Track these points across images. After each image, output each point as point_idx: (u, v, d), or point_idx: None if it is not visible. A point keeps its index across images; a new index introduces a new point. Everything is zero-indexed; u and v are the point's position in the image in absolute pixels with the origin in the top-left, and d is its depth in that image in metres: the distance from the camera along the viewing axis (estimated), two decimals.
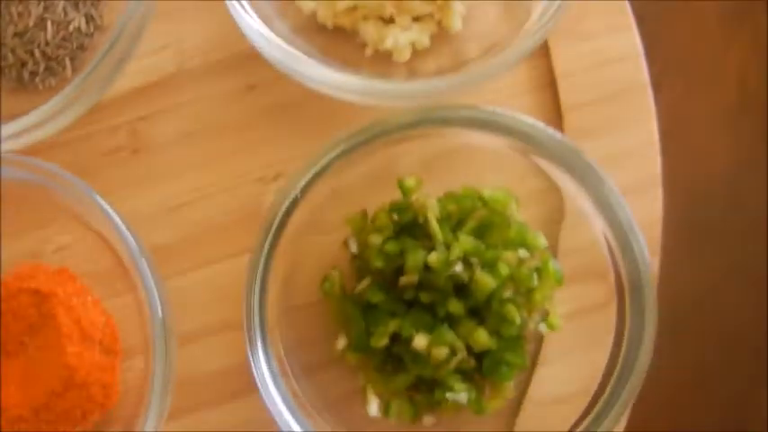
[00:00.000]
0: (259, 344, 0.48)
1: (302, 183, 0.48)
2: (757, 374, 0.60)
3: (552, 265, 0.49)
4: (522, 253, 0.49)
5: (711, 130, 0.60)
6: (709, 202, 0.61)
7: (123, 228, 0.49)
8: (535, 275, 0.49)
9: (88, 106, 0.51)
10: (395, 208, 0.49)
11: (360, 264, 0.50)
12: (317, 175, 0.48)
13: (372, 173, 0.51)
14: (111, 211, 0.49)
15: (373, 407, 0.50)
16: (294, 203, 0.48)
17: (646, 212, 0.52)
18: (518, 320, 0.49)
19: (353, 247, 0.50)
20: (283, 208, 0.47)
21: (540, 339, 0.51)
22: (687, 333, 0.61)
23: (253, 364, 0.48)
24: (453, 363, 0.48)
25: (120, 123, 0.53)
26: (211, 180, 0.53)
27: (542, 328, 0.50)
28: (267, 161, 0.52)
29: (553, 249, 0.51)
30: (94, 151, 0.53)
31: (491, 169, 0.51)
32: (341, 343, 0.50)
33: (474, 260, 0.48)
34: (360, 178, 0.51)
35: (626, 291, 0.49)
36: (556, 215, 0.52)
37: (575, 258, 0.51)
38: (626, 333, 0.49)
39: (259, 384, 0.47)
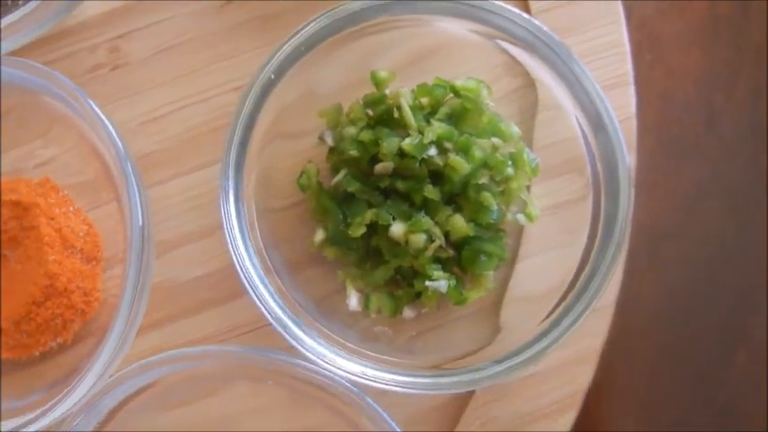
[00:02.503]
0: (240, 241, 0.47)
1: (265, 73, 0.47)
2: (741, 298, 0.60)
3: (527, 154, 0.50)
4: (496, 141, 0.50)
5: (684, 47, 0.60)
6: (683, 117, 0.61)
7: (111, 129, 0.49)
8: (510, 164, 0.49)
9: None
10: (368, 101, 0.50)
11: (335, 158, 0.50)
12: (284, 67, 0.48)
13: (343, 77, 0.51)
14: (99, 112, 0.49)
15: (353, 301, 0.50)
16: (261, 101, 0.48)
17: (620, 110, 0.52)
18: (494, 207, 0.49)
19: (329, 140, 0.50)
20: (250, 99, 0.47)
21: (519, 234, 0.51)
22: (666, 257, 0.61)
23: (237, 262, 0.47)
24: (431, 250, 0.48)
25: (99, 42, 0.54)
26: (189, 92, 0.53)
27: (521, 219, 0.50)
28: (243, 72, 0.53)
29: (528, 144, 0.51)
30: (76, 70, 0.53)
31: (465, 68, 0.51)
32: (319, 236, 0.50)
33: (448, 145, 0.48)
34: (330, 83, 0.51)
35: (602, 183, 0.49)
36: (531, 112, 0.52)
37: (551, 153, 0.51)
38: (600, 224, 0.49)
39: (246, 282, 0.47)
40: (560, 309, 0.47)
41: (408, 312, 0.50)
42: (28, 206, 0.52)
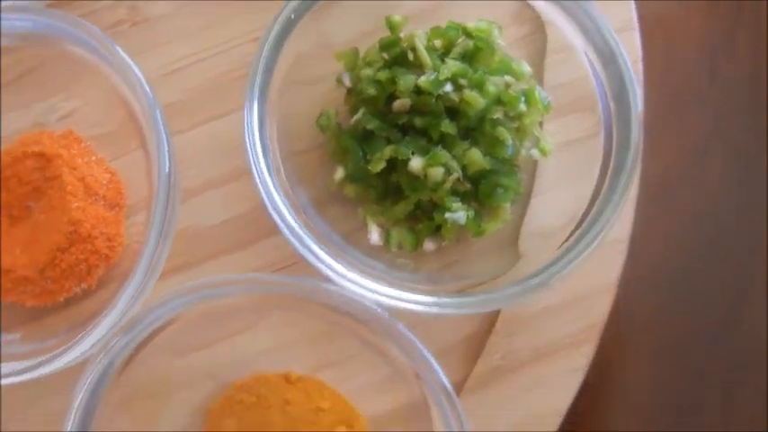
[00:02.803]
0: (268, 178, 0.48)
1: (280, 23, 0.49)
2: (751, 247, 0.61)
3: (538, 91, 0.51)
4: (509, 79, 0.51)
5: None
6: (687, 70, 0.63)
7: (140, 75, 0.50)
8: (523, 100, 0.51)
9: None
10: (384, 44, 0.51)
11: (353, 99, 0.52)
12: (296, 17, 0.49)
13: (356, 26, 0.53)
14: (128, 59, 0.50)
15: (374, 236, 0.51)
16: (278, 47, 0.49)
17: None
18: (509, 141, 0.50)
19: (347, 81, 0.51)
20: (269, 44, 0.49)
21: (533, 170, 0.53)
22: (674, 204, 0.62)
23: (267, 199, 0.48)
24: (449, 183, 0.50)
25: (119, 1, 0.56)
26: (208, 44, 0.55)
27: (534, 154, 0.52)
28: (262, 23, 0.53)
29: (539, 85, 0.53)
30: (97, 26, 0.55)
31: (473, 16, 0.53)
32: (339, 174, 0.51)
33: (462, 81, 0.50)
34: (344, 32, 0.53)
35: (613, 116, 0.50)
36: (540, 57, 0.54)
37: (561, 92, 0.53)
38: (612, 157, 0.50)
39: (276, 216, 0.48)
40: (576, 235, 0.48)
41: (429, 245, 0.51)
42: (51, 157, 0.53)
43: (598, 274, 0.52)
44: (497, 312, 0.52)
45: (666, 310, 0.61)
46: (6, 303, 0.52)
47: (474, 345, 0.52)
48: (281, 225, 0.47)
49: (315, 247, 0.47)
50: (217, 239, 0.53)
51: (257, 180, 0.48)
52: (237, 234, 0.53)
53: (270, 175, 0.48)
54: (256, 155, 0.48)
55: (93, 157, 0.53)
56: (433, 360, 0.46)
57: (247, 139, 0.48)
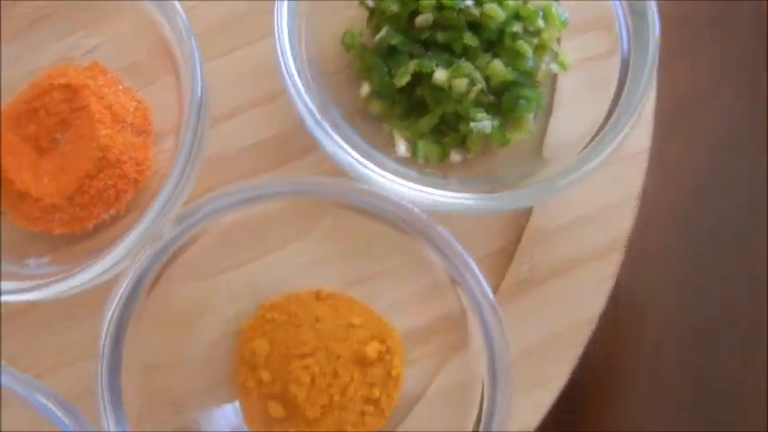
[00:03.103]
0: (304, 94, 0.48)
1: None
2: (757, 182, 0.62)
3: (555, 7, 0.53)
4: None
5: None
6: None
7: (177, 3, 0.50)
8: (540, 15, 0.52)
9: None
10: None
11: (376, 18, 0.53)
12: None
13: None
14: None
15: (401, 148, 0.52)
16: None
17: None
18: (529, 53, 0.51)
19: (370, 1, 0.53)
20: None
21: (552, 86, 0.54)
22: (688, 131, 0.63)
23: (306, 113, 0.48)
24: (473, 93, 0.51)
25: None
26: None
27: (554, 68, 0.53)
28: None
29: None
30: None
31: None
32: (365, 89, 0.52)
33: None
34: None
35: (630, 30, 0.52)
36: None
37: (577, 11, 0.54)
38: (629, 72, 0.52)
39: (318, 131, 0.48)
40: (597, 139, 0.49)
41: (455, 156, 0.52)
42: (77, 88, 0.53)
43: (621, 187, 0.53)
44: (523, 226, 0.53)
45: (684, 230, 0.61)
46: (35, 233, 0.53)
47: (501, 259, 0.53)
48: (323, 137, 0.48)
49: (357, 155, 0.47)
50: (245, 163, 0.54)
51: (294, 95, 0.48)
52: (266, 157, 0.54)
53: (306, 91, 0.48)
54: (291, 72, 0.49)
55: (120, 87, 0.54)
56: (472, 261, 0.45)
57: (281, 59, 0.49)
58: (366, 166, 0.47)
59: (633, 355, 0.59)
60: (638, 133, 0.53)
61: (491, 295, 0.45)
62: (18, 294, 0.48)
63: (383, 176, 0.46)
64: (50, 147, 0.54)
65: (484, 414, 0.46)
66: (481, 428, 0.46)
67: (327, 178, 0.47)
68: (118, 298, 0.47)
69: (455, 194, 0.46)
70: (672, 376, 0.55)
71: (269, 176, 0.53)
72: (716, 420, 0.55)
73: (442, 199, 0.46)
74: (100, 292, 0.48)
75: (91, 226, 0.52)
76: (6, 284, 0.48)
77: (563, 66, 0.53)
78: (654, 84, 0.53)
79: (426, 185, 0.48)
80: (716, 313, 0.56)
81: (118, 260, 0.48)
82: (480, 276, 0.46)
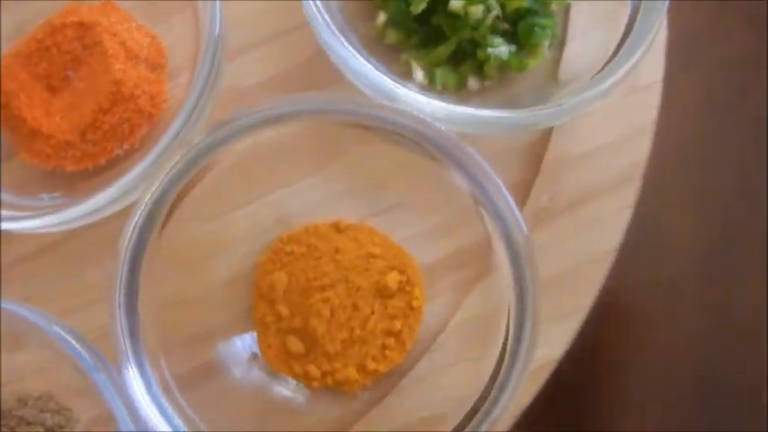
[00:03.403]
0: (329, 18, 0.48)
1: None
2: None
3: None
4: None
5: None
6: None
7: None
8: None
9: None
10: None
11: None
12: None
13: None
14: None
15: (419, 75, 0.51)
16: None
17: None
18: None
19: None
20: None
21: (566, 16, 0.54)
22: (696, 67, 0.63)
23: (328, 39, 0.48)
24: (490, 19, 0.51)
25: None
26: None
27: None
28: None
29: None
30: None
31: None
32: (381, 18, 0.52)
33: None
34: None
35: None
36: None
37: None
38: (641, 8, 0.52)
39: (343, 53, 0.47)
40: (613, 62, 0.49)
41: (473, 83, 0.52)
42: (90, 25, 0.53)
43: (638, 115, 0.53)
44: (541, 158, 0.53)
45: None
46: (48, 171, 0.52)
47: (520, 190, 0.52)
48: (349, 57, 0.47)
49: (383, 77, 0.47)
50: (262, 96, 0.53)
51: (319, 19, 0.48)
52: (283, 90, 0.53)
53: (330, 15, 0.48)
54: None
55: (134, 24, 0.54)
56: (499, 180, 0.44)
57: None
58: (395, 85, 0.46)
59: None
60: (651, 65, 0.54)
61: (521, 219, 0.44)
62: (30, 220, 0.47)
63: (408, 95, 0.46)
64: (62, 85, 0.53)
65: (509, 342, 0.45)
66: (507, 357, 0.46)
67: (352, 96, 0.46)
68: (131, 230, 0.45)
69: (474, 110, 0.46)
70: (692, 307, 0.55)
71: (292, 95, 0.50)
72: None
73: (468, 114, 0.45)
74: (117, 233, 0.46)
75: (104, 161, 0.52)
76: (19, 213, 0.48)
77: None
78: (665, 15, 0.53)
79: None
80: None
81: (130, 187, 0.48)
82: (510, 198, 0.44)
